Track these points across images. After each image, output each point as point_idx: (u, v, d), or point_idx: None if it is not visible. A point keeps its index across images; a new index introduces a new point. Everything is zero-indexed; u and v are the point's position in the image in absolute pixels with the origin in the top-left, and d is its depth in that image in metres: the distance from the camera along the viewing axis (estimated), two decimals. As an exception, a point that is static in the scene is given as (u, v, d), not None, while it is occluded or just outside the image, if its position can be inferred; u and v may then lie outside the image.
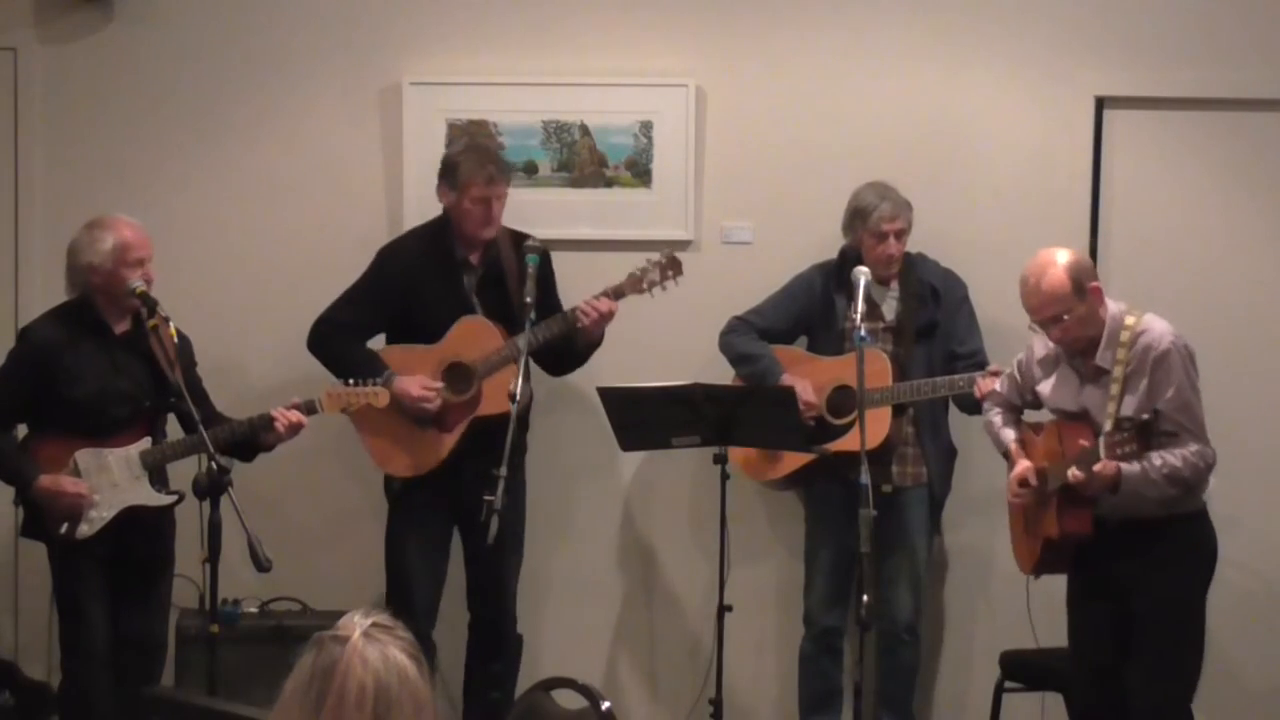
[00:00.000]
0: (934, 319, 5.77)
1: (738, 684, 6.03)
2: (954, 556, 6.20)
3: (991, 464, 6.05)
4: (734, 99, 6.15)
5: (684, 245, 5.99)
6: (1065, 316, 4.81)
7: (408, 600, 5.65)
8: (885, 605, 5.76)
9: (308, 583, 6.02)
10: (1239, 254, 6.16)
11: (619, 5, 6.16)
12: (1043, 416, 5.19)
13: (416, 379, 5.55)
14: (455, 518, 5.70)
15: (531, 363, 5.69)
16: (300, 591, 5.96)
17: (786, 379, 5.67)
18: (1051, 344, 4.99)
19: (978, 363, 5.69)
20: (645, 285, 5.63)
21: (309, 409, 5.30)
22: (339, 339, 5.66)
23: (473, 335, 5.58)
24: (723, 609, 5.44)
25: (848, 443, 5.58)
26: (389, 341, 5.73)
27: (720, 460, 5.37)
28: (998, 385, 5.27)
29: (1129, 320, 4.84)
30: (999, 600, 6.18)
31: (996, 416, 5.22)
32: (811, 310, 5.84)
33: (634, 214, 6.07)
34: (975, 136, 6.15)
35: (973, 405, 5.69)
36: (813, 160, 6.11)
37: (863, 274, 5.09)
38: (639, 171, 6.13)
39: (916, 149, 6.13)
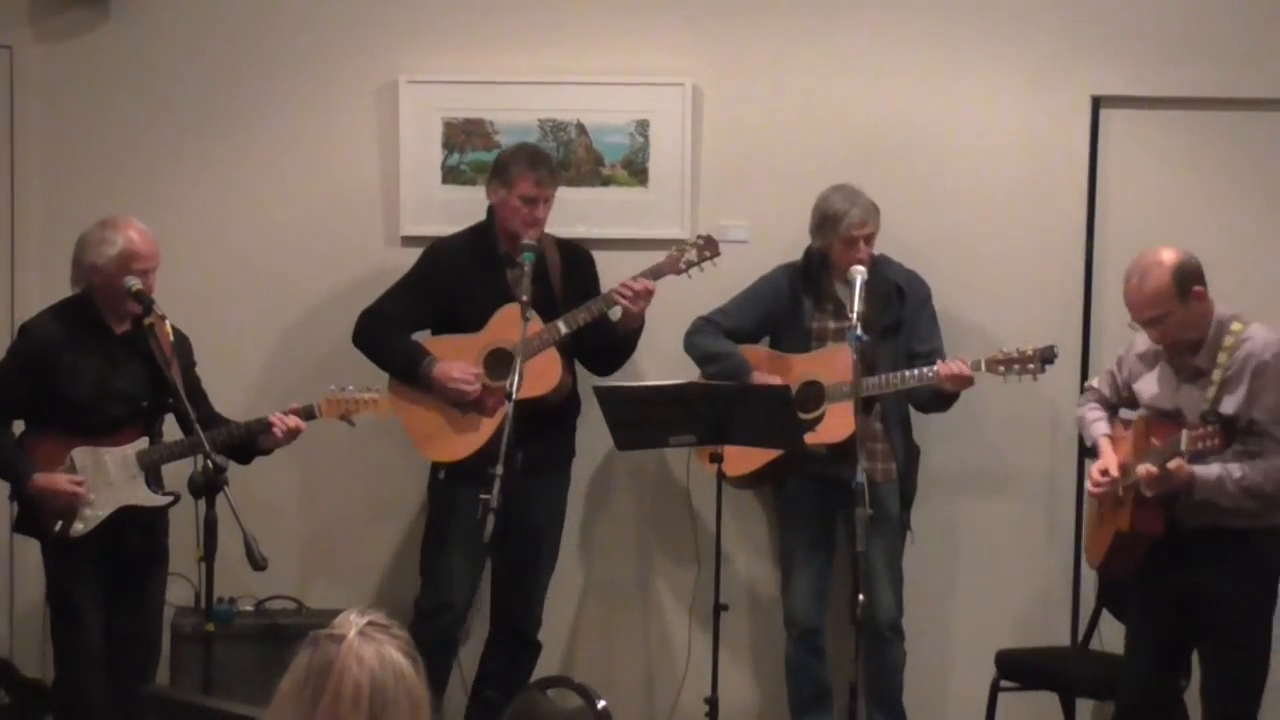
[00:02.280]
0: (898, 318, 5.78)
1: (737, 683, 6.03)
2: (952, 555, 6.20)
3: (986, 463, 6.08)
4: (730, 98, 6.15)
5: (681, 244, 5.98)
6: (1166, 318, 4.77)
7: (445, 601, 5.66)
8: (868, 604, 5.76)
9: (303, 581, 6.02)
10: (1235, 254, 6.15)
11: (615, 5, 6.16)
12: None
13: (457, 364, 5.58)
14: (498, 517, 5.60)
15: (577, 362, 5.76)
16: (296, 590, 5.97)
17: (756, 377, 5.67)
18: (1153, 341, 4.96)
19: (935, 362, 5.69)
20: (683, 265, 5.65)
21: (307, 414, 5.29)
22: (383, 329, 5.69)
23: (513, 322, 5.57)
24: (718, 608, 5.43)
25: (816, 436, 5.60)
26: (434, 335, 5.75)
27: (716, 460, 5.37)
28: (1095, 382, 5.25)
29: (1235, 326, 4.79)
30: (996, 599, 6.18)
31: (1091, 411, 5.17)
32: (778, 310, 5.84)
33: (630, 213, 6.07)
34: (972, 136, 6.15)
35: (929, 403, 5.71)
36: (809, 159, 6.11)
37: (859, 274, 5.10)
38: (635, 170, 6.13)
39: (913, 148, 6.13)
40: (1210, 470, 4.69)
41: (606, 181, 6.13)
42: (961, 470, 6.14)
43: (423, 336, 5.75)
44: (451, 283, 5.69)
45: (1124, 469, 4.91)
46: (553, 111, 6.10)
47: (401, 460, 5.92)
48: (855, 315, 4.95)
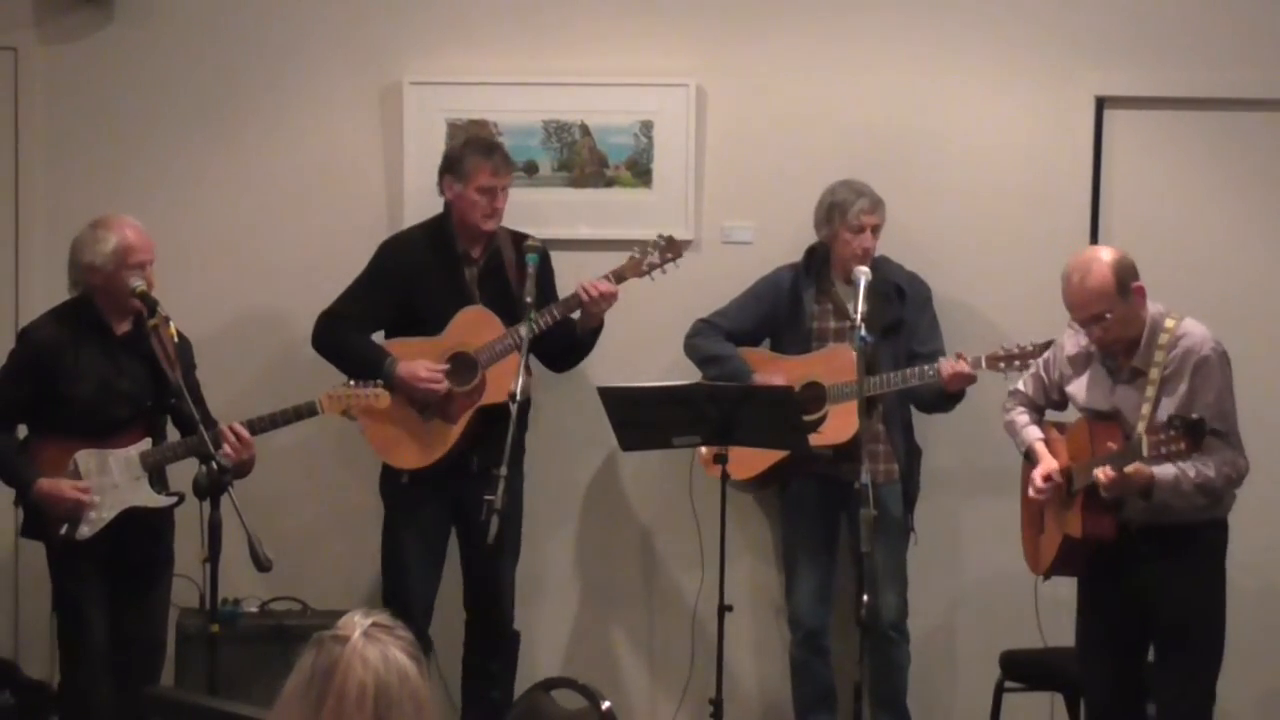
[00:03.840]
0: (899, 317, 5.78)
1: (728, 683, 6.03)
2: (955, 555, 6.20)
3: (978, 463, 6.09)
4: (734, 99, 6.16)
5: (684, 245, 5.98)
6: (1107, 316, 4.76)
7: (405, 599, 5.65)
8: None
9: (308, 582, 6.02)
10: (1238, 254, 6.17)
11: (619, 5, 6.16)
12: (1060, 417, 5.18)
13: (421, 362, 5.55)
14: (454, 517, 5.70)
15: (533, 358, 5.69)
16: (300, 591, 5.97)
17: (757, 379, 5.67)
18: (1083, 342, 4.94)
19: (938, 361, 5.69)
20: (645, 267, 5.65)
21: (309, 410, 5.29)
22: (342, 331, 5.66)
23: (474, 325, 5.59)
24: (723, 609, 5.43)
25: (820, 438, 5.60)
26: (389, 337, 5.73)
27: (721, 460, 5.37)
28: (1020, 385, 5.24)
29: (1168, 323, 4.79)
30: (1000, 599, 6.18)
31: (1020, 415, 5.16)
32: (778, 311, 5.84)
33: (634, 214, 6.07)
34: (976, 137, 6.16)
35: (932, 403, 5.71)
36: (813, 160, 6.11)
37: (863, 274, 5.08)
38: (639, 171, 6.13)
39: (916, 149, 6.14)
40: (1167, 471, 4.67)
41: (610, 182, 6.14)
42: (964, 470, 6.14)
43: (379, 338, 5.72)
44: (408, 279, 5.66)
45: (1065, 473, 4.91)
46: (557, 112, 6.10)
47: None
48: (859, 316, 4.94)
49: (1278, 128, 6.15)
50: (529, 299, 5.36)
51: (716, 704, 5.42)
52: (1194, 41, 6.11)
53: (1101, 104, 6.15)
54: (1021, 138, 6.16)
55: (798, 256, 5.93)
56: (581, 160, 6.13)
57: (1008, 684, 5.75)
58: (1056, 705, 5.83)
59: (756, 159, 6.17)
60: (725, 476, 5.39)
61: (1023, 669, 5.75)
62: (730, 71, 6.15)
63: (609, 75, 6.11)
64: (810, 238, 5.94)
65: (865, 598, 4.78)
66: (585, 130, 6.12)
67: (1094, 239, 6.12)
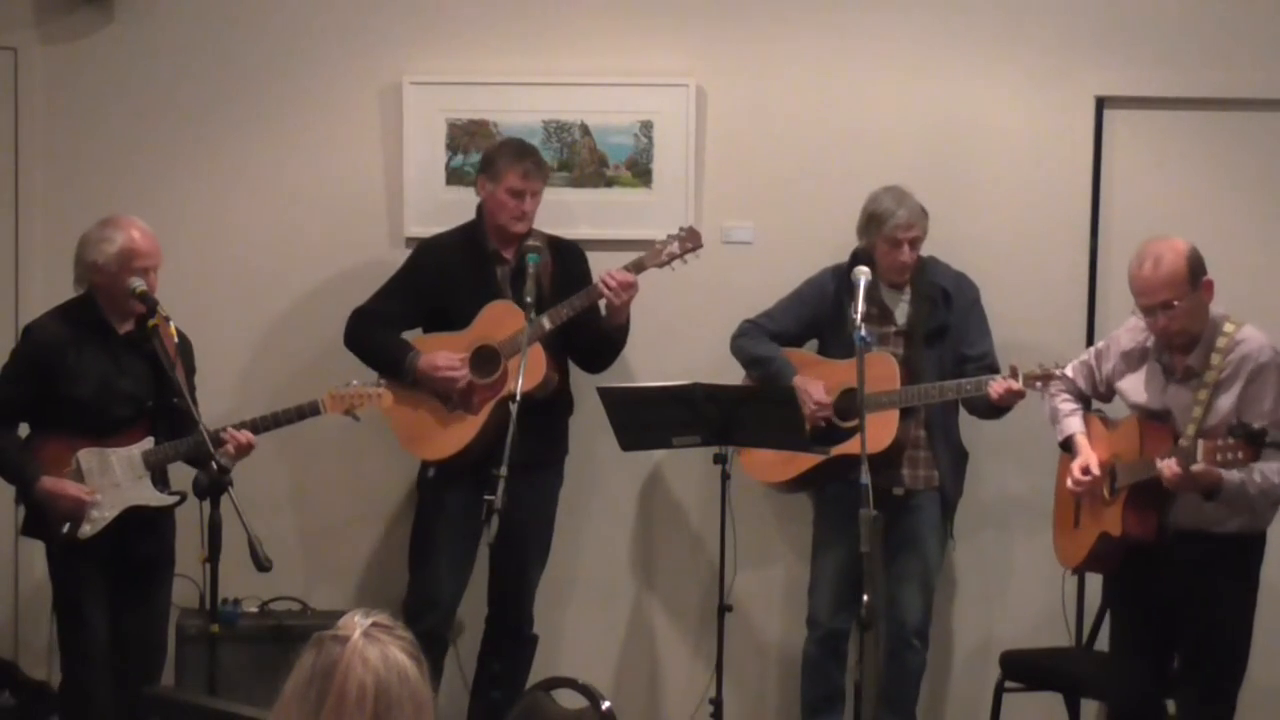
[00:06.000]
0: (945, 322, 5.75)
1: (740, 684, 6.03)
2: (955, 555, 6.19)
3: (1000, 466, 6.08)
4: (734, 99, 6.15)
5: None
6: (1175, 303, 4.72)
7: (431, 599, 5.66)
8: (895, 608, 5.76)
9: (308, 582, 6.02)
10: (1238, 254, 6.14)
11: (619, 5, 6.16)
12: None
13: (441, 353, 5.58)
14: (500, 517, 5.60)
15: (569, 361, 5.76)
16: (300, 591, 5.96)
17: (798, 382, 5.67)
18: (1139, 338, 4.92)
19: (987, 365, 5.68)
20: (665, 258, 5.65)
21: (312, 410, 5.30)
22: (373, 327, 5.69)
23: (499, 318, 5.60)
24: (723, 609, 5.43)
25: (854, 445, 5.57)
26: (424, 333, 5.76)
27: (720, 460, 5.36)
28: (1068, 370, 5.21)
29: (1228, 327, 4.76)
30: (1000, 600, 6.18)
31: (1065, 403, 5.13)
32: (822, 313, 5.83)
33: (634, 214, 6.07)
34: (976, 136, 6.15)
35: (983, 410, 5.67)
36: (813, 160, 6.11)
37: (863, 274, 5.05)
38: (639, 171, 6.13)
39: (917, 149, 6.13)
40: (1233, 475, 4.64)
41: (610, 183, 6.14)
42: (969, 474, 6.12)
43: (413, 335, 5.74)
44: (441, 281, 5.69)
45: (1108, 468, 4.89)
46: (557, 113, 6.10)
47: (406, 459, 5.91)
48: (859, 317, 4.92)
49: (1278, 128, 6.15)
50: (529, 299, 5.36)
51: (716, 704, 5.42)
52: (1194, 41, 6.11)
53: (1101, 104, 6.15)
54: (1022, 138, 6.15)
55: (797, 257, 5.93)
56: (581, 160, 6.13)
57: (1008, 684, 5.75)
58: (1056, 705, 5.83)
59: (756, 159, 6.17)
60: (726, 477, 5.40)
61: (1023, 669, 5.75)
62: (730, 71, 6.15)
63: (609, 75, 6.11)
64: (810, 237, 5.94)
65: (865, 598, 4.78)
66: (585, 130, 6.12)
67: (1094, 239, 6.13)
